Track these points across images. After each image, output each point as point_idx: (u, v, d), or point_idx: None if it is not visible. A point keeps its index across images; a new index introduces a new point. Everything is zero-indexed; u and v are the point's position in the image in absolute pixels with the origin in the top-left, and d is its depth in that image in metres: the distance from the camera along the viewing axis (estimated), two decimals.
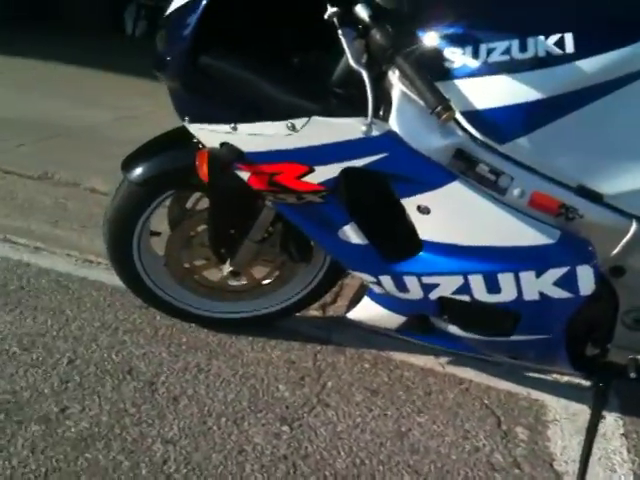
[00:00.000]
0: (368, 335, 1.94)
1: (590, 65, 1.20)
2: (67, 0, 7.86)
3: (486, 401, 1.75)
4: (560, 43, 1.21)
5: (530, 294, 1.35)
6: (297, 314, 1.96)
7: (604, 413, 1.74)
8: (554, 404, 1.77)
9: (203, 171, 1.41)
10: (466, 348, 1.61)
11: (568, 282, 1.31)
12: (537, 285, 1.33)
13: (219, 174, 1.42)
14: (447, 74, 1.25)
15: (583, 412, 1.73)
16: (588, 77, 1.21)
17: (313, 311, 2.07)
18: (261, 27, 1.45)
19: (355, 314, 1.68)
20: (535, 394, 1.80)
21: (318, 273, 1.82)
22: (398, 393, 1.75)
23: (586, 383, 1.83)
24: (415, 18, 1.32)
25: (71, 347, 1.78)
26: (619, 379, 1.51)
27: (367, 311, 1.63)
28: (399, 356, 1.90)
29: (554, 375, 1.88)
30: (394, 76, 1.28)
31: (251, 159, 1.41)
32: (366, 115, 1.23)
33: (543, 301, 1.35)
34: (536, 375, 1.87)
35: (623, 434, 1.69)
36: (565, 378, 1.87)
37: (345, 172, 1.35)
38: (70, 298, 2.01)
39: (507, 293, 1.36)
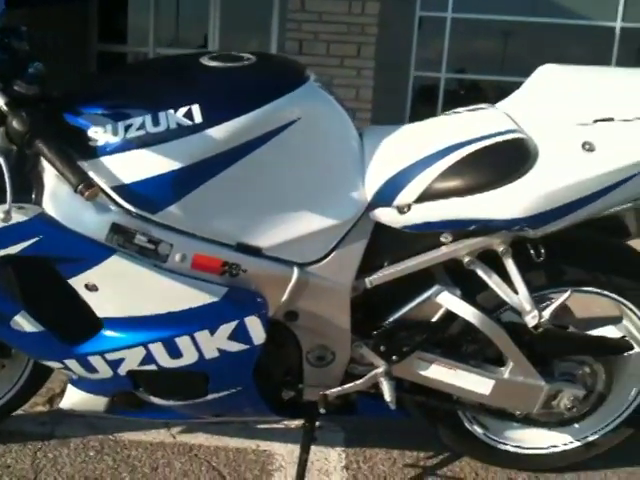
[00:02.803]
0: (95, 421, 1.88)
1: (221, 132, 1.30)
2: None
3: (214, 463, 1.76)
4: (189, 114, 1.29)
5: (210, 352, 1.39)
6: (21, 412, 1.84)
7: (328, 449, 1.84)
8: (281, 451, 1.82)
9: None
10: (177, 415, 1.61)
11: (241, 334, 1.38)
12: (214, 343, 1.38)
13: None
14: (92, 153, 1.29)
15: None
16: (221, 143, 1.30)
17: (39, 407, 1.96)
18: None
19: (65, 403, 1.61)
20: (264, 445, 1.85)
21: (25, 368, 1.73)
22: (122, 475, 1.70)
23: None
24: (58, 102, 1.35)
25: None
26: (320, 416, 1.61)
27: (73, 398, 1.58)
28: (128, 436, 1.85)
29: (285, 423, 1.94)
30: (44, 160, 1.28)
31: None
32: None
33: (224, 357, 1.40)
34: (266, 426, 1.92)
35: (344, 466, 1.78)
36: (294, 424, 1.94)
37: (2, 262, 1.31)
38: None
39: (189, 356, 1.39)
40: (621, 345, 1.63)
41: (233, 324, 1.37)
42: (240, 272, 1.38)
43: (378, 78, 5.30)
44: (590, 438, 1.73)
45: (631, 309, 1.59)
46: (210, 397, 1.49)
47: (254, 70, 1.41)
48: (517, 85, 1.58)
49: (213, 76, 1.38)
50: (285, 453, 1.82)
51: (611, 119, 1.35)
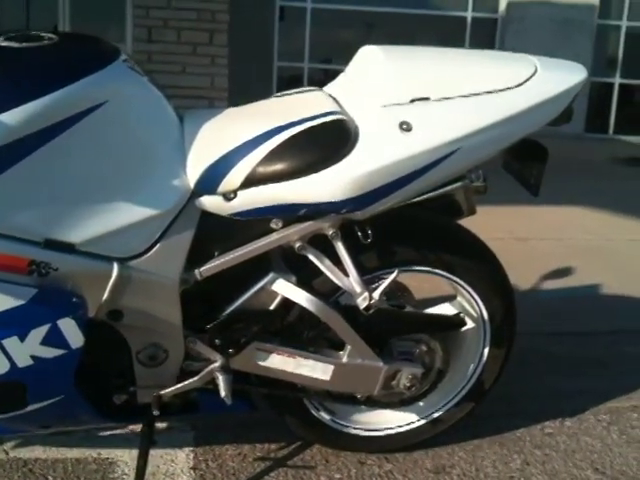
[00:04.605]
0: None
1: (13, 118, 1.17)
2: None
3: (50, 477, 1.64)
4: None
5: (23, 361, 1.28)
6: None
7: (176, 450, 1.77)
8: (125, 458, 1.73)
9: None
10: (2, 430, 1.48)
11: (55, 339, 1.27)
12: (26, 350, 1.27)
13: None
14: None
15: (154, 458, 1.72)
16: (14, 130, 1.18)
17: None
18: None
19: None
20: (106, 453, 1.74)
21: None
22: None
23: (160, 428, 1.83)
24: None
25: None
26: (157, 418, 1.53)
27: None
28: None
29: (130, 428, 1.84)
30: None
31: None
32: None
33: (39, 364, 1.29)
34: (109, 433, 1.82)
35: (192, 467, 1.71)
36: (139, 428, 1.84)
37: None
38: None
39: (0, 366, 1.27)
40: (455, 321, 1.67)
41: (45, 328, 1.26)
42: (51, 271, 1.27)
43: (240, 67, 5.22)
44: (435, 415, 1.76)
45: (462, 286, 1.62)
46: (31, 408, 1.36)
47: (53, 50, 1.30)
48: None
49: (3, 57, 1.26)
50: (129, 460, 1.72)
51: (427, 98, 1.36)
